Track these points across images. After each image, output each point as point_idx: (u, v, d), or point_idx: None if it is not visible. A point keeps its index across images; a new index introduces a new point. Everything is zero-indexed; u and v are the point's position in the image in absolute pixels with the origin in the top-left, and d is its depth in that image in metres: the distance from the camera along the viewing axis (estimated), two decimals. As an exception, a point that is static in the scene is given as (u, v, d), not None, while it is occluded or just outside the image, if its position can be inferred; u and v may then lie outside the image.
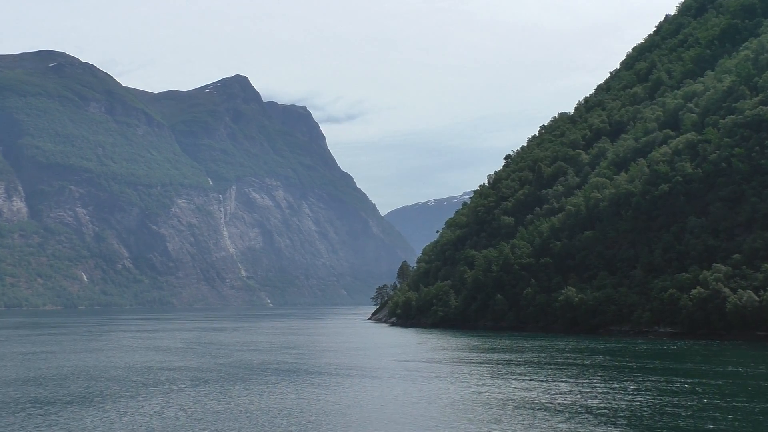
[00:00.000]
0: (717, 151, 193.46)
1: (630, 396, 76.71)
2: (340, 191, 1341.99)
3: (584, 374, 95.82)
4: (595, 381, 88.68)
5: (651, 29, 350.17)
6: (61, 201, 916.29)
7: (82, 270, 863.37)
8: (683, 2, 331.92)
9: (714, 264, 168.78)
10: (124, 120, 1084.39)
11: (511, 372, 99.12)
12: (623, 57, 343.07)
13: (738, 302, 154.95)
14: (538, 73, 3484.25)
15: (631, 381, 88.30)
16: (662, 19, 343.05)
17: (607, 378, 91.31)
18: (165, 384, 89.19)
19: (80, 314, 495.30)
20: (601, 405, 71.35)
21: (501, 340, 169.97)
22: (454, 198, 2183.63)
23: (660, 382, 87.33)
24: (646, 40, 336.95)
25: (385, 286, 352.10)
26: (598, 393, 78.90)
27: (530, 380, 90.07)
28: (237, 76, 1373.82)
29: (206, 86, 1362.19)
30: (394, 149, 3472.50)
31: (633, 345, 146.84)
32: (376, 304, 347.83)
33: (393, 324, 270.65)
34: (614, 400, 74.35)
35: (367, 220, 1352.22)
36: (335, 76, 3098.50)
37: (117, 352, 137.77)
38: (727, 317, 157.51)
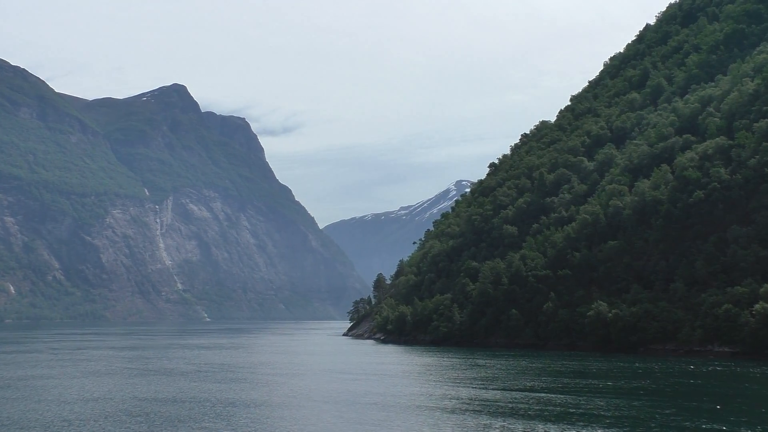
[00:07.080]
0: (756, 156, 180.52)
1: None
2: (278, 204, 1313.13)
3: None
4: None
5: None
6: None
7: (9, 282, 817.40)
8: (665, 11, 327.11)
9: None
10: (56, 126, 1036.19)
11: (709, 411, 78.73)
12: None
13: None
14: (470, 91, 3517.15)
15: None
16: (642, 28, 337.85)
17: None
18: None
19: (13, 328, 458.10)
20: None
21: (555, 360, 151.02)
22: (391, 213, 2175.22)
23: None
24: (627, 48, 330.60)
25: (362, 299, 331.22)
26: None
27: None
28: (175, 85, 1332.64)
29: (143, 94, 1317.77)
30: (330, 163, 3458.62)
31: (728, 367, 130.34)
32: (352, 320, 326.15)
33: (383, 341, 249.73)
34: None
35: (306, 233, 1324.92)
36: (271, 87, 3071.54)
37: (129, 379, 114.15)
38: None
